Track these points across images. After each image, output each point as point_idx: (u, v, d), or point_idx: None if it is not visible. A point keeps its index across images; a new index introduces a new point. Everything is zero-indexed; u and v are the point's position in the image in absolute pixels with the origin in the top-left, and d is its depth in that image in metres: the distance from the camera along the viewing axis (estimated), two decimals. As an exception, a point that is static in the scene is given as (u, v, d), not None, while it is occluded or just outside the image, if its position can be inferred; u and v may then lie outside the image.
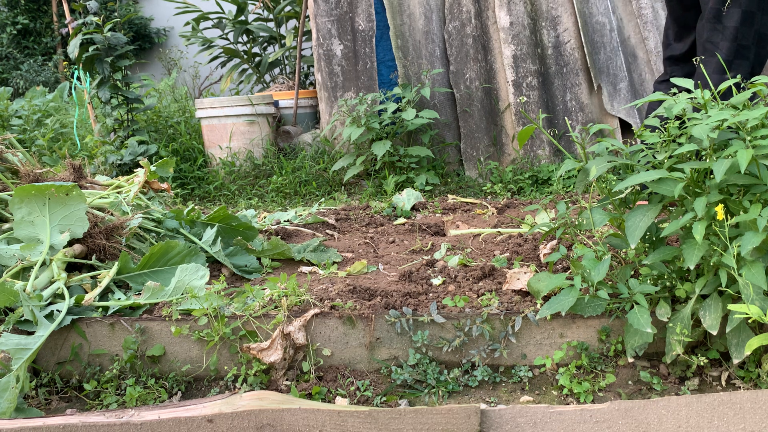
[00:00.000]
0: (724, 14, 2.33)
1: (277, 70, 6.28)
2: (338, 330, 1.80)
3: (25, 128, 5.32)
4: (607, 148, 1.80)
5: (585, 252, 1.74)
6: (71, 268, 2.17)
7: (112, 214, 2.37)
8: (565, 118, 4.29)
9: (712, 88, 1.71)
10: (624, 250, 1.88)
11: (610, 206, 1.87)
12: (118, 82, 4.66)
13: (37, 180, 2.37)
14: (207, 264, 2.25)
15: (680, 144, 1.64)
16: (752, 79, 1.66)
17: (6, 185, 2.40)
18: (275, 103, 4.99)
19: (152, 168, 2.86)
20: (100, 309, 1.90)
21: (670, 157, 1.68)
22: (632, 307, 1.64)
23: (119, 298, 1.97)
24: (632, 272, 1.78)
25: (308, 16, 4.97)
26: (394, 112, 4.26)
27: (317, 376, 1.77)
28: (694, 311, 1.63)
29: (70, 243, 2.17)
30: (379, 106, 4.27)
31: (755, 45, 2.34)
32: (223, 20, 6.27)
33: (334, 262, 2.43)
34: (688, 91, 1.74)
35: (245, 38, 6.37)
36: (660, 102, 2.20)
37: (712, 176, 1.59)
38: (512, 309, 1.80)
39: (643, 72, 4.31)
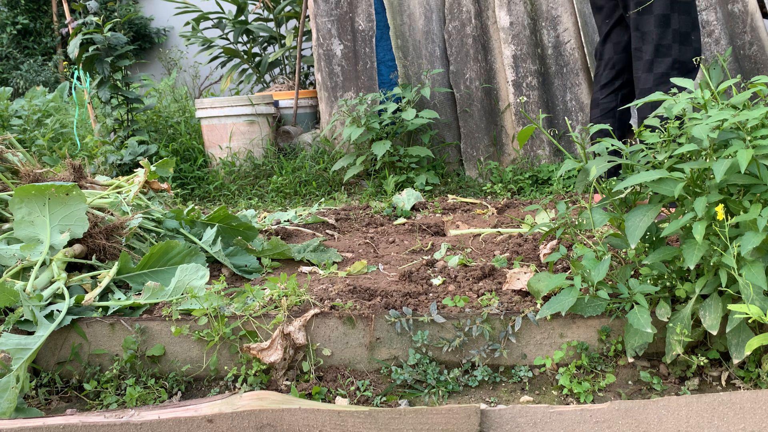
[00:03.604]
0: (641, 21, 2.63)
1: (277, 70, 6.28)
2: (338, 330, 1.80)
3: (25, 128, 5.32)
4: (606, 148, 1.80)
5: (585, 252, 1.74)
6: (71, 268, 2.17)
7: (112, 214, 2.37)
8: (565, 118, 4.29)
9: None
10: (624, 250, 1.88)
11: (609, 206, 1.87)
12: (118, 82, 4.66)
13: (37, 180, 2.37)
14: (207, 264, 2.25)
15: (680, 144, 1.64)
16: (752, 79, 1.66)
17: (6, 185, 2.40)
18: (275, 103, 4.99)
19: (152, 168, 2.86)
20: (100, 309, 1.89)
21: (670, 157, 1.68)
22: (632, 307, 1.64)
23: (119, 298, 1.97)
24: (632, 272, 1.78)
25: (308, 16, 4.97)
26: (394, 112, 4.26)
27: (317, 376, 1.77)
28: (694, 311, 1.63)
29: (70, 243, 2.17)
30: (379, 106, 4.27)
31: (678, 43, 2.60)
32: (223, 20, 6.27)
33: (334, 262, 2.43)
34: (689, 91, 1.74)
35: (245, 38, 6.36)
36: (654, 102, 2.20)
37: (712, 176, 1.59)
38: (512, 309, 1.80)
39: (643, 72, 4.31)
